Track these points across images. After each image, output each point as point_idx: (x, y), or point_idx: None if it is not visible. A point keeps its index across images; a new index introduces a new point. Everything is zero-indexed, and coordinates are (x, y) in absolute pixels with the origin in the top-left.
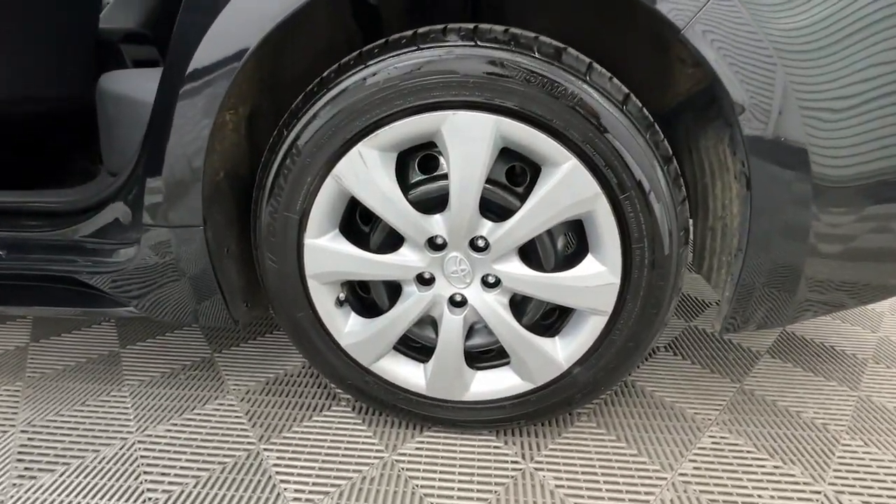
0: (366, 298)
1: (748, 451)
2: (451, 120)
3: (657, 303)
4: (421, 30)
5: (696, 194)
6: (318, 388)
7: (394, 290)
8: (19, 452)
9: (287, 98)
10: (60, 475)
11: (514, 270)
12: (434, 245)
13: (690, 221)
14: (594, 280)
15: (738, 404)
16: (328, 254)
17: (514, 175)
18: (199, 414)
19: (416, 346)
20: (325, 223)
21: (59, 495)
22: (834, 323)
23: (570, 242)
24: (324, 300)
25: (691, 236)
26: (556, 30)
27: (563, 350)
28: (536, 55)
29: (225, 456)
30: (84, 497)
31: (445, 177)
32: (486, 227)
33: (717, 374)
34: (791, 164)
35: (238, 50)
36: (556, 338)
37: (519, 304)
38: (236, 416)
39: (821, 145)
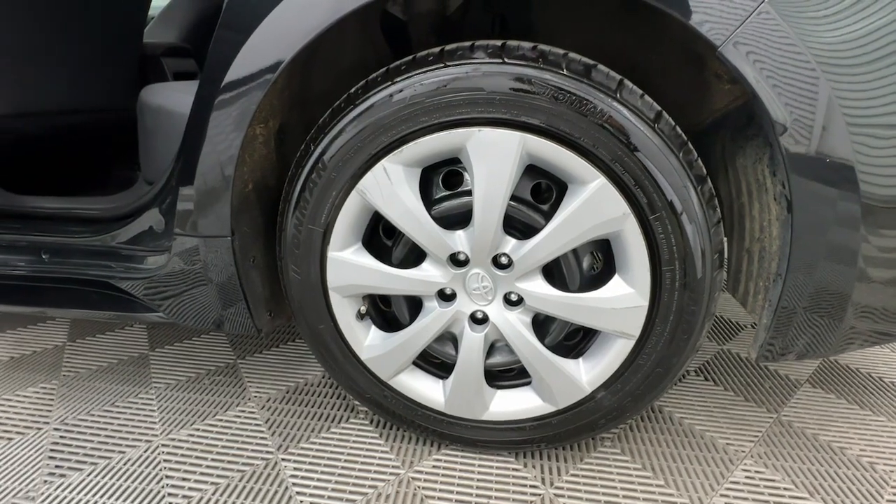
0: (387, 312)
1: (786, 489)
2: (477, 137)
3: (688, 327)
4: (448, 47)
5: (731, 215)
6: (337, 399)
7: (415, 305)
8: (51, 450)
9: (314, 113)
10: (88, 474)
11: (538, 289)
12: (456, 261)
13: (725, 243)
14: (621, 302)
15: (775, 436)
16: (350, 267)
17: (540, 192)
18: (220, 420)
19: (435, 361)
20: (349, 236)
21: (84, 495)
22: (882, 352)
23: (596, 262)
24: (345, 313)
25: (726, 259)
26: (587, 46)
27: (587, 373)
28: (565, 72)
29: (244, 464)
30: (108, 498)
31: (469, 193)
32: (510, 245)
33: (752, 403)
34: (837, 183)
35: (272, 63)
36: (580, 359)
37: (542, 324)
38: (256, 424)
39: (870, 163)
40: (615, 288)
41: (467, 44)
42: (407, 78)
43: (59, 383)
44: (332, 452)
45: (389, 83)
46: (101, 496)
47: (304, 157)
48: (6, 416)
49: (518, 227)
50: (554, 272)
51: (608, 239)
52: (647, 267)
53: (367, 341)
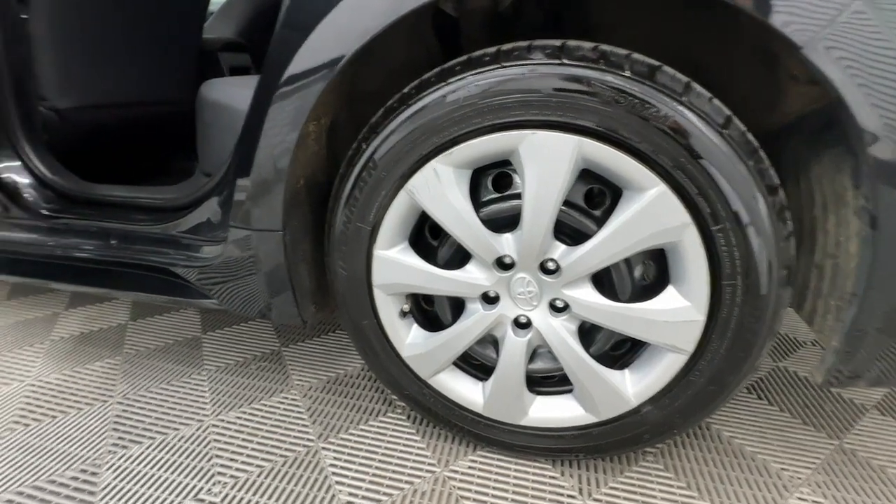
0: (429, 311)
1: None
2: (530, 140)
3: (747, 346)
4: (504, 47)
5: (800, 227)
6: (375, 392)
7: (457, 306)
8: (115, 422)
9: (364, 112)
10: (147, 448)
11: (585, 297)
12: (502, 264)
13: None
14: (674, 315)
15: (836, 465)
16: (396, 265)
17: (592, 196)
18: (265, 405)
19: (476, 363)
20: (396, 235)
21: (144, 466)
22: None
23: (648, 270)
24: (388, 310)
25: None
26: (647, 44)
27: (633, 385)
28: (627, 74)
29: (287, 450)
30: (165, 471)
31: (519, 196)
32: (559, 250)
33: (811, 427)
34: None
35: (331, 61)
36: (626, 371)
37: (588, 332)
38: (298, 412)
39: None
40: (669, 300)
41: (524, 44)
42: (461, 79)
43: (122, 360)
44: (369, 445)
45: (443, 84)
46: (159, 469)
47: (356, 155)
48: (77, 388)
49: (568, 232)
50: (603, 280)
51: (663, 248)
52: (706, 280)
53: (409, 339)
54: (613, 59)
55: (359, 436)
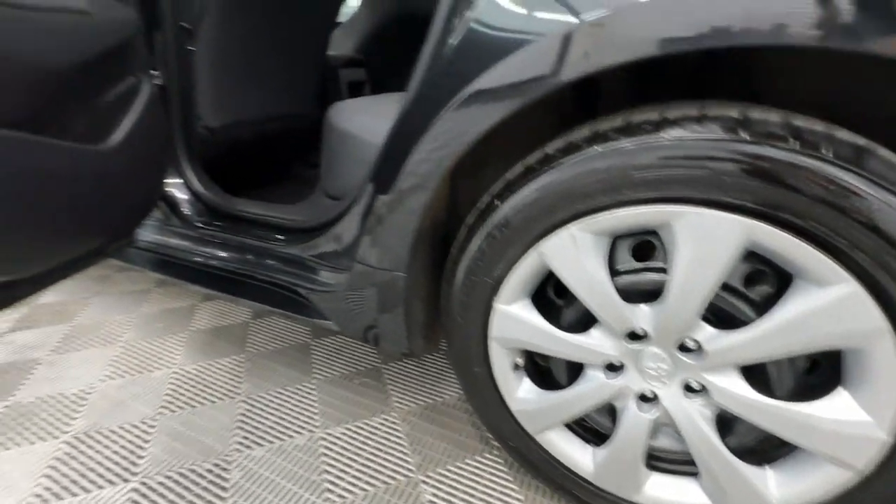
0: (543, 367)
1: None
2: (688, 217)
3: None
4: (671, 114)
5: None
6: (473, 427)
7: (575, 368)
8: (240, 420)
9: (494, 164)
10: (266, 451)
11: (731, 387)
12: (633, 335)
13: None
14: (846, 426)
15: None
16: (516, 322)
17: (751, 276)
18: (367, 424)
19: (588, 426)
20: (519, 292)
21: (265, 470)
22: None
23: (815, 364)
24: (502, 362)
25: None
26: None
27: (778, 488)
28: (827, 156)
29: (389, 476)
30: (282, 478)
31: (663, 270)
32: (704, 332)
33: None
34: None
35: (489, 114)
36: (769, 468)
37: (727, 419)
38: (398, 437)
39: None
40: (839, 405)
41: (694, 112)
42: (616, 144)
43: (245, 357)
44: (467, 485)
45: (592, 148)
46: (277, 475)
47: (487, 210)
48: (211, 380)
49: (716, 312)
50: (753, 368)
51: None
52: None
53: (520, 393)
54: (809, 138)
55: (456, 473)
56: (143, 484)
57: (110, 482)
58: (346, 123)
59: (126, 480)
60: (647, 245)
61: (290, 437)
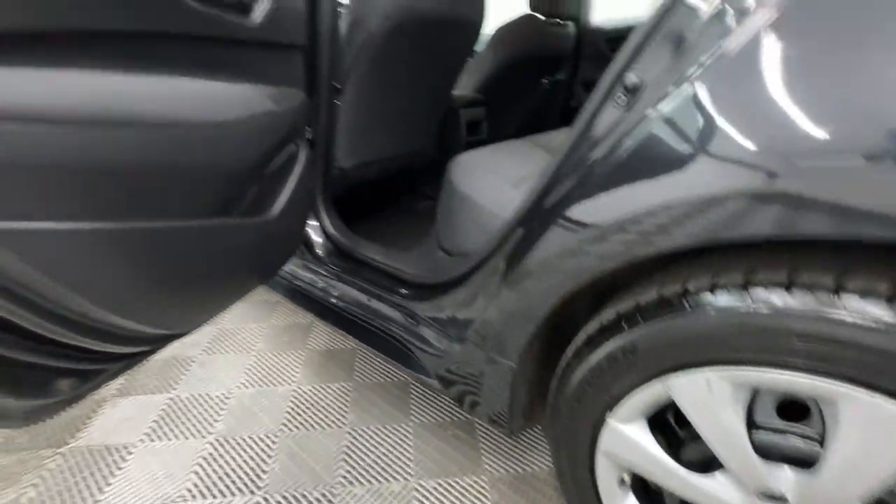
0: (650, 487)
1: None
2: (862, 403)
3: None
4: (853, 283)
5: None
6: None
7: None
8: (345, 452)
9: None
10: (365, 490)
11: None
12: (770, 496)
13: None
14: None
15: None
16: (628, 443)
17: None
18: (458, 482)
19: None
20: (636, 413)
21: None
22: None
23: None
24: (607, 475)
25: None
26: None
27: None
28: None
29: None
30: None
31: (816, 440)
32: None
33: None
34: None
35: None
36: None
37: None
38: None
39: None
40: None
41: (884, 288)
42: (783, 292)
43: (352, 387)
44: None
45: (748, 293)
46: None
47: (612, 329)
48: (322, 404)
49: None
50: None
51: None
52: None
53: None
54: None
55: None
56: (265, 500)
57: (240, 491)
58: (467, 188)
59: (252, 493)
60: (798, 405)
61: (388, 480)
